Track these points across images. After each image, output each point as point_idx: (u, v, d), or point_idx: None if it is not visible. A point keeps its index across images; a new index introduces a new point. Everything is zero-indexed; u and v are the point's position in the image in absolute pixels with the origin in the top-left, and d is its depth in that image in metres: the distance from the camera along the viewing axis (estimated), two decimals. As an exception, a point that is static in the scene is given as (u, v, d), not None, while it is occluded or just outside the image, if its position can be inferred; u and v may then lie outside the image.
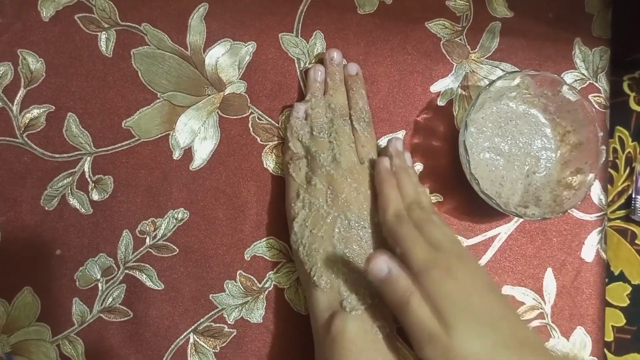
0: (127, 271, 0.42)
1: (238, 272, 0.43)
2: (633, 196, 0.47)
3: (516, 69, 0.46)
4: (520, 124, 0.43)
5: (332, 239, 0.38)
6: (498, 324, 0.31)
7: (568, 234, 0.45)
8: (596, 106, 0.46)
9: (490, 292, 0.33)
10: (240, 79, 0.45)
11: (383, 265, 0.33)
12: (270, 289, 0.43)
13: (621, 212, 0.47)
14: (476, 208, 0.44)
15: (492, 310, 0.31)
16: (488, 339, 0.30)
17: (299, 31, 0.45)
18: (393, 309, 0.32)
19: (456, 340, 0.30)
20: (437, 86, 0.46)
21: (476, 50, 0.46)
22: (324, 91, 0.43)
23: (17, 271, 0.42)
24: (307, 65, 0.45)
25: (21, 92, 0.43)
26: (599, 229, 0.45)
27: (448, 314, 0.30)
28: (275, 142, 0.44)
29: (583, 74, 0.47)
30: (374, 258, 0.33)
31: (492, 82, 0.40)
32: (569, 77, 0.46)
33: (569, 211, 0.44)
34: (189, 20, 0.45)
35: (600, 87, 0.46)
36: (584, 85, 0.46)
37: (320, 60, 0.45)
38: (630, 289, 0.46)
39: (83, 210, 0.43)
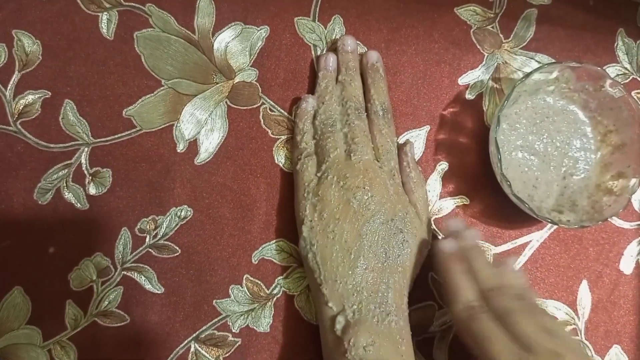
0: (124, 272, 0.39)
1: (244, 277, 0.40)
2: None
3: (552, 60, 0.42)
4: (558, 121, 0.40)
5: (343, 247, 0.35)
6: None
7: (606, 243, 0.41)
8: (640, 104, 0.43)
9: None
10: (251, 66, 0.41)
11: None
12: (279, 295, 0.40)
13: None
14: (506, 212, 0.41)
15: None
16: None
17: (317, 15, 0.42)
18: None
19: None
20: (466, 78, 0.42)
21: (510, 39, 0.43)
22: (336, 82, 0.40)
23: (7, 270, 0.39)
24: (324, 52, 0.42)
25: (15, 76, 0.40)
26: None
27: None
28: (288, 136, 0.41)
29: (626, 68, 0.43)
30: None
31: (528, 74, 0.37)
32: (610, 71, 0.43)
33: (607, 218, 0.41)
34: (197, 1, 0.41)
35: (644, 83, 0.43)
36: (627, 81, 0.43)
37: (335, 48, 0.41)
38: (667, 303, 0.43)
39: (79, 205, 0.40)
